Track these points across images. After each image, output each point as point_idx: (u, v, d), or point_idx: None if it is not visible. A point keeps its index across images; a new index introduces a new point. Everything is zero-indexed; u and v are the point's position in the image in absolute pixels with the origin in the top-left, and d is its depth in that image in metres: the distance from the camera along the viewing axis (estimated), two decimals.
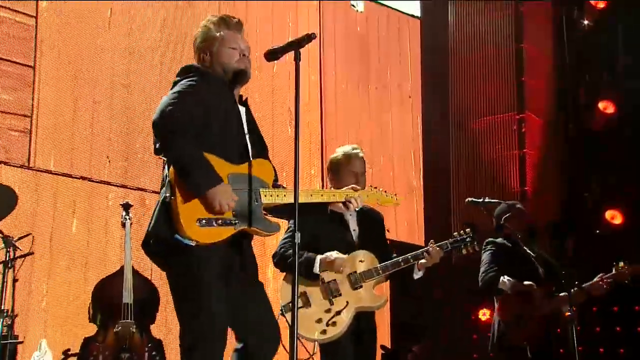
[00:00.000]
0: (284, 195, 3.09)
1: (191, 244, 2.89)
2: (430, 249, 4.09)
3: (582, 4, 8.19)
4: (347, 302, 3.97)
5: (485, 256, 4.99)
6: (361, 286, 4.04)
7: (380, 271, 4.07)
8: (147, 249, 3.03)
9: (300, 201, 3.04)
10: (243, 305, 3.03)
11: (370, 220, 4.26)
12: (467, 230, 4.22)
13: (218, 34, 3.18)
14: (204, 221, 2.90)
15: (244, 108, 3.18)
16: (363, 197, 3.42)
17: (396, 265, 4.10)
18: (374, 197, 3.54)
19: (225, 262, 3.00)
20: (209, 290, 2.90)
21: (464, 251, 4.20)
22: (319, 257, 3.97)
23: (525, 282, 4.79)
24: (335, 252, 3.97)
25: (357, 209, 3.44)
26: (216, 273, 2.94)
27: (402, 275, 4.16)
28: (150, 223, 3.00)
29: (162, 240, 2.94)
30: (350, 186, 3.46)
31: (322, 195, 3.33)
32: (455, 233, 4.22)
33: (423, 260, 4.10)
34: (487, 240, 5.06)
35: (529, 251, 5.03)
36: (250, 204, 3.01)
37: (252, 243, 3.18)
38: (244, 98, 3.23)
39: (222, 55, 3.15)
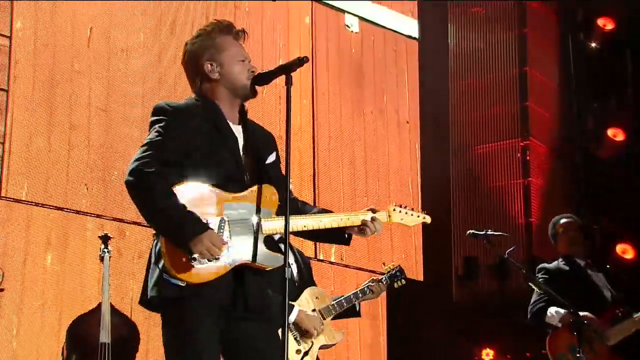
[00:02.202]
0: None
1: (180, 284, 2.83)
2: (374, 285, 4.66)
3: (589, 25, 8.27)
4: (312, 342, 4.14)
5: None
6: (322, 323, 4.35)
7: (337, 307, 4.50)
8: (142, 301, 2.98)
9: (310, 228, 3.03)
10: (248, 354, 2.96)
11: (304, 261, 4.63)
12: (394, 264, 4.90)
13: (224, 43, 3.09)
14: (194, 260, 2.81)
15: (239, 127, 3.09)
16: (383, 218, 3.22)
17: (349, 301, 4.56)
18: (397, 217, 3.30)
19: (225, 306, 2.93)
20: (200, 345, 2.85)
21: (395, 285, 4.79)
22: (297, 308, 4.21)
23: (581, 313, 4.61)
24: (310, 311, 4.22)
25: (376, 233, 3.22)
26: (211, 325, 2.88)
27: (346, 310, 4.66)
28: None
29: (153, 287, 2.90)
30: (368, 208, 3.25)
31: (334, 221, 3.14)
32: (386, 267, 4.88)
33: (370, 296, 4.67)
34: (539, 267, 5.00)
35: (590, 272, 4.92)
36: (256, 238, 2.94)
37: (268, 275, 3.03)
38: (245, 109, 3.14)
39: (233, 68, 3.07)
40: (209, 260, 2.83)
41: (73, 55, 5.78)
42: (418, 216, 3.36)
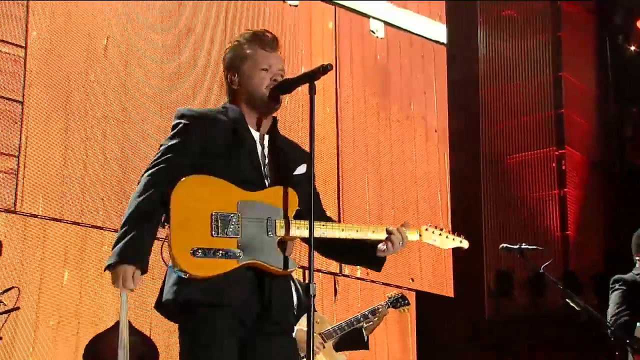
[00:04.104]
0: (306, 229, 2.99)
1: (182, 275, 2.91)
2: (376, 309, 4.92)
3: (628, 27, 8.25)
4: None
5: (613, 297, 4.88)
6: (323, 347, 4.65)
7: (339, 331, 4.76)
8: (157, 305, 3.06)
9: (330, 235, 3.05)
10: None
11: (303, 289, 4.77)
12: (395, 292, 5.17)
13: (249, 52, 3.19)
14: (199, 251, 2.90)
15: (266, 135, 3.17)
16: (411, 235, 3.20)
17: (350, 324, 4.82)
18: (429, 237, 3.26)
19: (246, 318, 2.99)
20: (216, 352, 2.92)
21: (401, 311, 5.06)
22: (295, 327, 4.32)
23: None
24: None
25: (402, 246, 3.16)
26: (229, 338, 2.94)
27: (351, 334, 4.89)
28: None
29: (169, 291, 2.98)
30: (401, 223, 3.23)
31: (357, 231, 3.11)
32: (389, 294, 5.13)
33: (373, 321, 4.93)
34: (614, 278, 4.94)
35: None
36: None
37: (289, 284, 3.10)
38: (275, 120, 3.22)
39: (252, 77, 3.16)
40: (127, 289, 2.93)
41: (89, 65, 5.87)
42: (453, 239, 3.32)
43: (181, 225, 2.92)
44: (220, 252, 2.92)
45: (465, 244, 3.35)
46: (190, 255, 2.89)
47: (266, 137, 3.18)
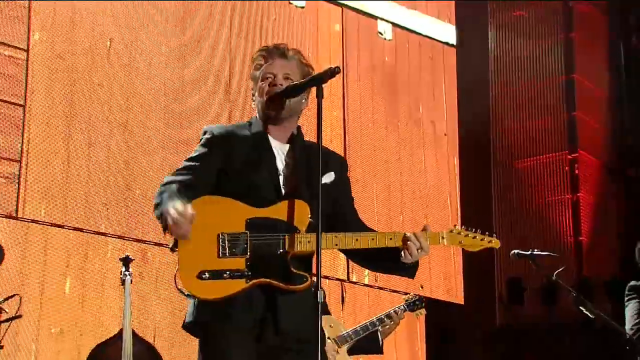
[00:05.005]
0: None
1: (192, 299, 3.00)
2: (392, 312, 4.93)
3: None
4: None
5: (630, 307, 4.87)
6: (337, 352, 4.65)
7: (353, 336, 4.77)
8: (183, 325, 3.15)
9: (343, 246, 3.05)
10: None
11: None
12: (412, 294, 5.20)
13: (254, 69, 3.24)
14: (206, 274, 2.95)
15: (287, 146, 3.18)
16: (434, 238, 3.07)
17: (366, 329, 4.83)
18: (454, 239, 3.11)
19: (259, 334, 3.00)
20: None
21: (416, 315, 5.10)
22: None
23: None
24: None
25: (423, 252, 3.04)
26: (237, 344, 2.97)
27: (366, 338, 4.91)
28: None
29: (189, 312, 3.06)
30: (422, 228, 3.12)
31: (372, 240, 3.05)
32: (405, 297, 5.17)
33: (389, 324, 4.95)
34: (630, 285, 4.92)
35: None
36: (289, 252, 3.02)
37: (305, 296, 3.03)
38: (297, 127, 3.23)
39: (256, 90, 3.21)
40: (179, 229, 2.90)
41: (92, 68, 5.88)
42: (482, 239, 3.16)
43: (188, 249, 2.97)
44: (227, 272, 2.96)
45: (496, 244, 3.19)
46: (197, 278, 2.95)
47: (287, 146, 3.19)
